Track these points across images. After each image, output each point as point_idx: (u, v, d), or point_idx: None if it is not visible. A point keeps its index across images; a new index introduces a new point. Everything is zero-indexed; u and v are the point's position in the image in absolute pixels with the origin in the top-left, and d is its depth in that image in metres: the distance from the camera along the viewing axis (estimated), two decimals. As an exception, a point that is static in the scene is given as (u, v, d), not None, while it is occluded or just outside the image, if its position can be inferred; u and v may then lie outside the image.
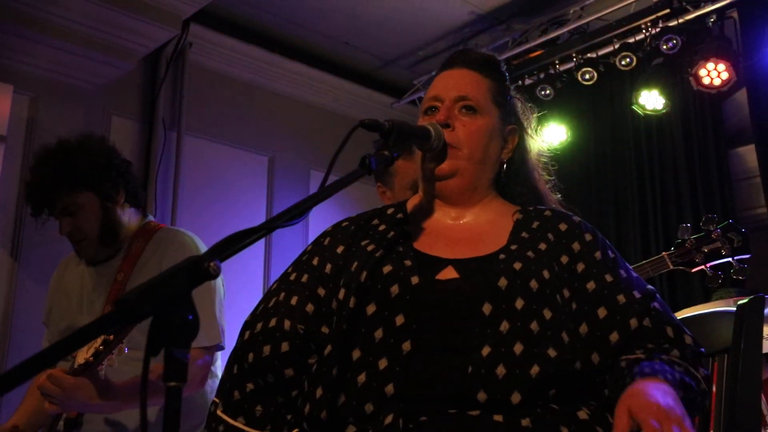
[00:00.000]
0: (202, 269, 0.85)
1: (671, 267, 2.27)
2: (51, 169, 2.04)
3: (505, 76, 1.48)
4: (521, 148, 1.46)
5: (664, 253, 2.30)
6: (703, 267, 2.24)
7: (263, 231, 1.00)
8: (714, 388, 1.58)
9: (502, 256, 1.26)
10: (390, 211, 1.44)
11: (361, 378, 1.16)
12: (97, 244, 2.08)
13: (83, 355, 1.75)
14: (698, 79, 3.89)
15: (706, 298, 3.54)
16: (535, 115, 1.53)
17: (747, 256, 2.20)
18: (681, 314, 1.99)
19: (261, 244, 4.64)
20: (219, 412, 1.27)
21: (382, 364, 1.16)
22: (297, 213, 1.06)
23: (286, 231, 4.72)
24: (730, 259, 2.21)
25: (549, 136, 4.52)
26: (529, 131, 1.50)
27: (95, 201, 2.07)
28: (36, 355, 0.75)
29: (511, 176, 1.45)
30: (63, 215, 2.04)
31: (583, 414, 1.16)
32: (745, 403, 1.46)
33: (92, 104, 3.99)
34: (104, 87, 4.01)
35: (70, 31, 3.64)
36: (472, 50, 1.51)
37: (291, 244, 4.56)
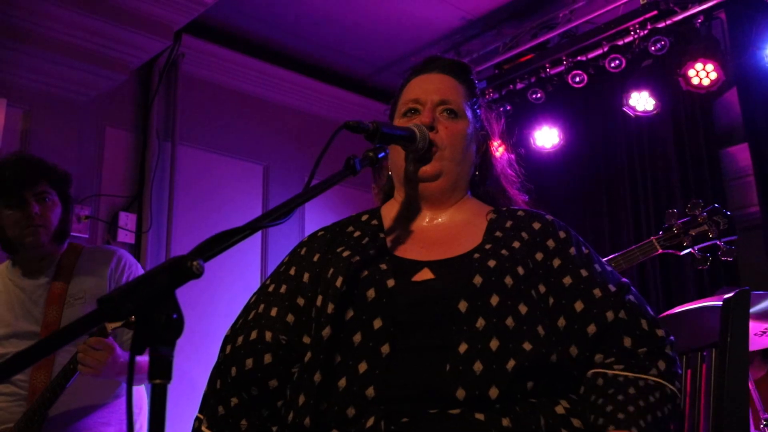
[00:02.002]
0: (185, 268, 0.87)
1: (660, 250, 2.30)
2: (38, 160, 2.30)
3: (475, 83, 1.52)
4: (489, 152, 1.51)
5: (652, 237, 2.32)
6: (691, 250, 2.26)
7: (248, 231, 1.01)
8: (703, 383, 1.60)
9: (476, 255, 1.28)
10: (364, 217, 1.46)
11: (342, 383, 1.17)
12: (51, 237, 2.27)
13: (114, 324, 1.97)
14: (687, 79, 3.92)
15: (699, 295, 3.55)
16: (501, 120, 1.58)
17: (733, 237, 2.22)
18: (674, 310, 2.01)
19: (257, 246, 4.66)
20: (204, 428, 1.27)
21: (362, 367, 1.17)
22: (282, 213, 1.08)
23: (282, 231, 4.70)
24: (717, 241, 2.23)
25: (542, 139, 4.55)
26: (496, 137, 1.54)
27: (59, 202, 2.32)
28: (24, 351, 0.76)
29: (482, 178, 1.49)
30: (36, 198, 2.24)
31: (560, 408, 1.18)
32: (733, 397, 1.47)
33: (86, 116, 4.01)
34: (97, 98, 4.04)
35: (62, 43, 3.66)
36: (444, 56, 1.54)
37: (288, 245, 4.60)
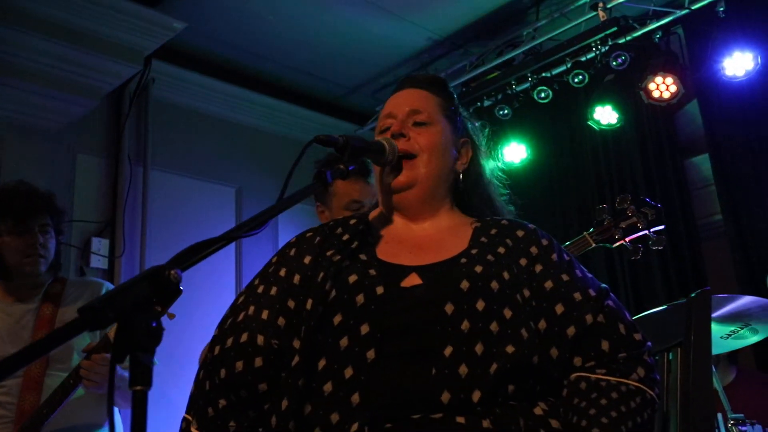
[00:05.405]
0: (163, 277, 0.90)
1: (593, 245, 2.37)
2: (43, 192, 2.41)
3: (453, 95, 1.55)
4: (475, 162, 1.52)
5: (585, 233, 2.39)
6: (622, 242, 2.34)
7: (224, 241, 1.04)
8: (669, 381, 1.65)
9: (463, 260, 1.31)
10: (353, 222, 1.47)
11: (327, 387, 1.19)
12: (48, 267, 2.40)
13: None
14: (648, 92, 4.03)
15: (668, 301, 3.63)
16: (486, 131, 1.60)
17: (661, 227, 2.30)
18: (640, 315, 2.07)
19: (232, 263, 4.66)
20: (193, 429, 1.27)
21: (348, 372, 1.18)
22: (256, 224, 1.11)
23: (257, 247, 4.67)
24: (646, 231, 2.31)
25: (510, 154, 4.63)
26: (482, 147, 1.56)
27: (54, 235, 2.44)
28: (7, 358, 0.78)
29: (468, 188, 1.50)
30: (40, 229, 2.37)
31: (538, 410, 1.21)
32: (697, 393, 1.52)
33: (57, 143, 4.00)
34: (69, 125, 4.03)
35: (33, 71, 3.65)
36: (419, 74, 1.58)
37: (262, 261, 4.61)
